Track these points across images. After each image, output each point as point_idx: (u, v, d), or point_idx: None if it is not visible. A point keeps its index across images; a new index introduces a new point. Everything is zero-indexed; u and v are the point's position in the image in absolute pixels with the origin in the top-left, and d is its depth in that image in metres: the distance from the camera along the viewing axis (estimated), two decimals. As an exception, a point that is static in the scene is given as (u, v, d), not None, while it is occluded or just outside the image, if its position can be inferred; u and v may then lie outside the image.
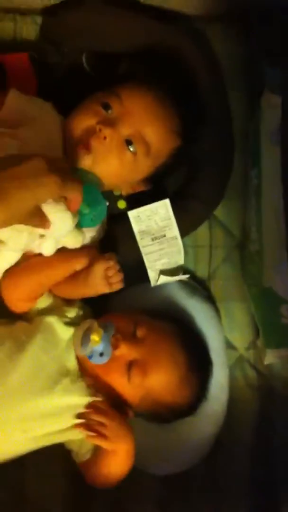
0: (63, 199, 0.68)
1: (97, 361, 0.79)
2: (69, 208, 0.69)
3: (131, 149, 0.79)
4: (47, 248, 0.76)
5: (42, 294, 0.85)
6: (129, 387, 0.81)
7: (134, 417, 0.85)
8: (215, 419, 0.96)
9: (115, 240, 0.91)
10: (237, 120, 0.99)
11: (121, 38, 0.92)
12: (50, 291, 0.87)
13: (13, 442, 0.79)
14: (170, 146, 0.83)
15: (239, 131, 0.99)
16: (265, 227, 0.93)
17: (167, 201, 0.85)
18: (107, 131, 0.77)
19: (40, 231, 0.70)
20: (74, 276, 0.83)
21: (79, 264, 0.81)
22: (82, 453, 0.83)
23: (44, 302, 0.86)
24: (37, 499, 0.91)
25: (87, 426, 0.79)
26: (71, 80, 0.93)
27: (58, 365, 0.81)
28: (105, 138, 0.77)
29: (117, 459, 0.80)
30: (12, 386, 0.78)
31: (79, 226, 0.74)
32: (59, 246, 0.78)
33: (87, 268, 0.82)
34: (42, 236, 0.73)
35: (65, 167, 0.69)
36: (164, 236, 0.88)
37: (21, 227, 0.67)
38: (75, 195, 0.69)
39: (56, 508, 0.92)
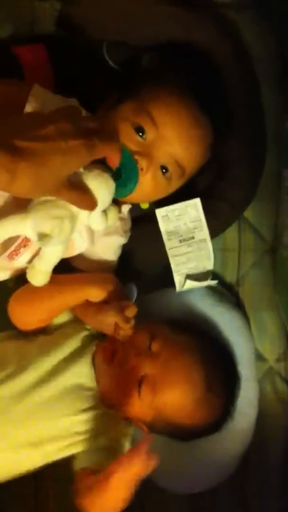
0: (98, 165, 0.66)
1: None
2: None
3: (167, 175, 0.76)
4: (97, 222, 0.71)
5: (52, 319, 0.81)
6: (139, 405, 0.76)
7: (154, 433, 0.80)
8: (243, 437, 0.90)
9: (138, 242, 0.85)
10: (272, 117, 0.93)
11: (144, 27, 0.86)
12: None
13: (23, 460, 0.75)
14: (204, 161, 0.81)
15: (273, 130, 0.93)
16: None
17: (198, 201, 0.80)
18: (144, 163, 0.73)
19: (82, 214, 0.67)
20: (86, 305, 0.78)
21: (93, 295, 0.77)
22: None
23: (61, 318, 0.82)
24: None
25: None
26: (90, 73, 0.88)
27: (77, 382, 0.78)
28: (142, 169, 0.73)
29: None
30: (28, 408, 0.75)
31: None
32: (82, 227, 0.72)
33: (101, 305, 0.77)
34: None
35: (93, 126, 0.65)
36: (193, 238, 0.83)
37: (61, 212, 0.64)
38: (110, 153, 0.66)
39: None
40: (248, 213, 0.95)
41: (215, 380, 0.79)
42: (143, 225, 0.85)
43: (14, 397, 0.75)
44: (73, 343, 0.80)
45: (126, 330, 0.75)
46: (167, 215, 0.81)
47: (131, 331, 0.75)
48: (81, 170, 0.67)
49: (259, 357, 0.95)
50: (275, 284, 0.95)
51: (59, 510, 0.86)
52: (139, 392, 0.75)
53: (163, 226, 0.82)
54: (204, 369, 0.78)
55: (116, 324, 0.75)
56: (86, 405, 0.77)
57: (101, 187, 0.68)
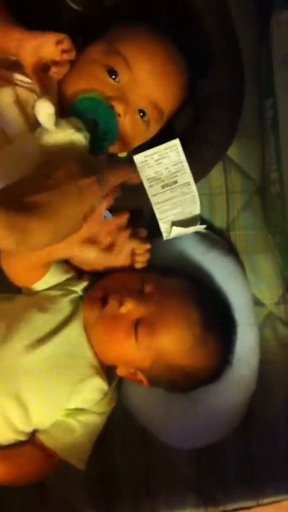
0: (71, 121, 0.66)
1: None
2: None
3: (145, 119, 0.73)
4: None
5: (49, 260, 0.76)
6: (137, 349, 0.73)
7: (153, 387, 0.78)
8: (245, 385, 0.87)
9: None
10: (247, 48, 0.87)
11: None
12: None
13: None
14: (181, 100, 0.77)
15: (250, 61, 0.88)
16: (285, 161, 0.81)
17: (177, 141, 0.75)
18: (120, 108, 0.70)
19: None
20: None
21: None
22: None
23: (48, 282, 0.78)
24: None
25: None
26: (50, 17, 0.80)
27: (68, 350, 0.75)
28: (119, 115, 0.70)
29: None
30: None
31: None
32: None
33: (111, 242, 0.75)
34: None
35: (93, 165, 0.66)
36: (176, 182, 0.78)
37: None
38: (126, 177, 0.70)
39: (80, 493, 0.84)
40: (232, 153, 0.91)
41: (211, 320, 0.76)
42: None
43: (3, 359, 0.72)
44: (61, 308, 0.76)
45: (144, 254, 0.77)
46: (146, 161, 0.76)
47: (148, 254, 0.77)
48: (54, 127, 0.65)
49: (257, 303, 0.92)
50: (267, 223, 0.91)
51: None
52: (136, 336, 0.72)
53: (143, 173, 0.77)
54: (199, 308, 0.75)
55: (132, 253, 0.75)
56: (78, 376, 0.74)
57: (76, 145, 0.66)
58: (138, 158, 0.76)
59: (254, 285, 0.92)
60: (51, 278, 0.78)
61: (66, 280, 0.79)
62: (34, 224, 0.56)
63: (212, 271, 0.86)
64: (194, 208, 0.81)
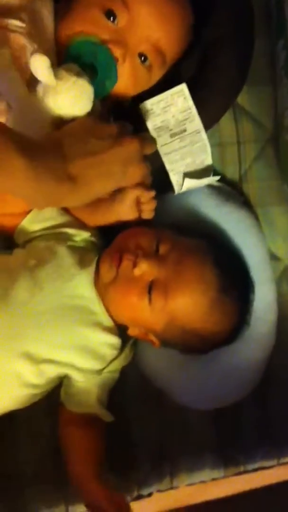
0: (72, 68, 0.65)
1: None
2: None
3: (146, 64, 0.69)
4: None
5: None
6: (150, 312, 0.70)
7: (167, 349, 0.76)
8: (263, 343, 0.84)
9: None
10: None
11: None
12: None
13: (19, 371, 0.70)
14: (185, 44, 0.73)
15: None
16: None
17: (184, 86, 0.71)
18: (118, 52, 0.66)
19: None
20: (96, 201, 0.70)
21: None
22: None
23: (40, 223, 0.74)
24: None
25: None
26: None
27: (78, 303, 0.72)
28: (118, 59, 0.66)
29: None
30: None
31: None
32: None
33: (114, 193, 0.70)
34: None
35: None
36: (185, 131, 0.74)
37: None
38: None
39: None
40: (243, 100, 0.86)
41: (228, 282, 0.73)
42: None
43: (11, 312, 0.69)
44: (61, 257, 0.72)
45: (150, 202, 0.73)
46: (152, 109, 0.72)
47: (154, 202, 0.73)
48: (55, 80, 0.62)
49: (273, 257, 0.88)
50: (281, 172, 0.87)
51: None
52: (149, 299, 0.69)
53: (149, 122, 0.73)
54: (216, 269, 0.72)
55: (138, 202, 0.72)
56: (89, 328, 0.72)
57: (80, 97, 0.63)
58: (143, 106, 0.72)
59: (269, 239, 0.88)
60: (41, 216, 0.74)
61: (62, 226, 0.75)
62: (71, 195, 0.60)
63: (227, 225, 0.82)
64: (206, 158, 0.76)
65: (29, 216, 0.74)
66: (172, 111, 0.72)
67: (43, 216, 0.74)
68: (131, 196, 0.71)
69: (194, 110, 0.72)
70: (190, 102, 0.72)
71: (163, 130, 0.73)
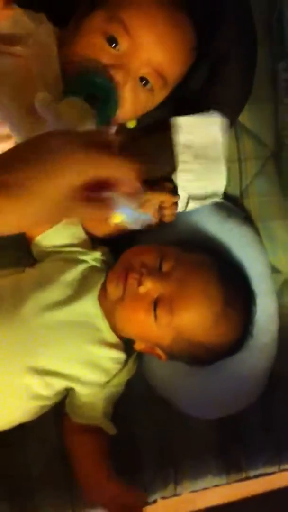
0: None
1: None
2: None
3: (147, 87, 0.69)
4: None
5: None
6: (157, 328, 0.72)
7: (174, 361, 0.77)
8: (266, 353, 0.86)
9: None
10: (258, 8, 0.85)
11: None
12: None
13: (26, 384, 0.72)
14: (187, 66, 0.73)
15: (262, 22, 0.85)
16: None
17: (220, 119, 0.73)
18: (119, 75, 0.67)
19: None
20: None
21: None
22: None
23: (52, 241, 0.77)
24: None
25: None
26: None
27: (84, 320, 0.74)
28: (118, 83, 0.67)
29: None
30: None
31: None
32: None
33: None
34: None
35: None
36: (209, 157, 0.75)
37: None
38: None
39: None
40: (244, 118, 0.88)
41: (232, 295, 0.75)
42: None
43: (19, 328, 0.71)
44: (71, 276, 0.75)
45: (173, 206, 0.73)
46: (182, 126, 0.73)
47: (177, 208, 0.74)
48: (59, 115, 0.62)
49: (274, 270, 0.91)
50: (282, 188, 0.89)
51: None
52: (155, 315, 0.71)
53: (176, 137, 0.74)
54: (220, 284, 0.74)
55: (160, 207, 0.72)
56: (94, 343, 0.74)
57: (84, 128, 0.63)
58: (175, 120, 0.73)
59: (270, 252, 0.90)
60: (56, 234, 0.77)
61: (73, 246, 0.78)
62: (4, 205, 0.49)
63: (230, 241, 0.84)
64: (219, 188, 0.78)
65: (44, 233, 0.77)
66: (202, 134, 0.74)
67: (57, 235, 0.77)
68: (155, 199, 0.72)
69: (224, 144, 0.74)
70: (224, 137, 0.73)
71: (187, 148, 0.75)
